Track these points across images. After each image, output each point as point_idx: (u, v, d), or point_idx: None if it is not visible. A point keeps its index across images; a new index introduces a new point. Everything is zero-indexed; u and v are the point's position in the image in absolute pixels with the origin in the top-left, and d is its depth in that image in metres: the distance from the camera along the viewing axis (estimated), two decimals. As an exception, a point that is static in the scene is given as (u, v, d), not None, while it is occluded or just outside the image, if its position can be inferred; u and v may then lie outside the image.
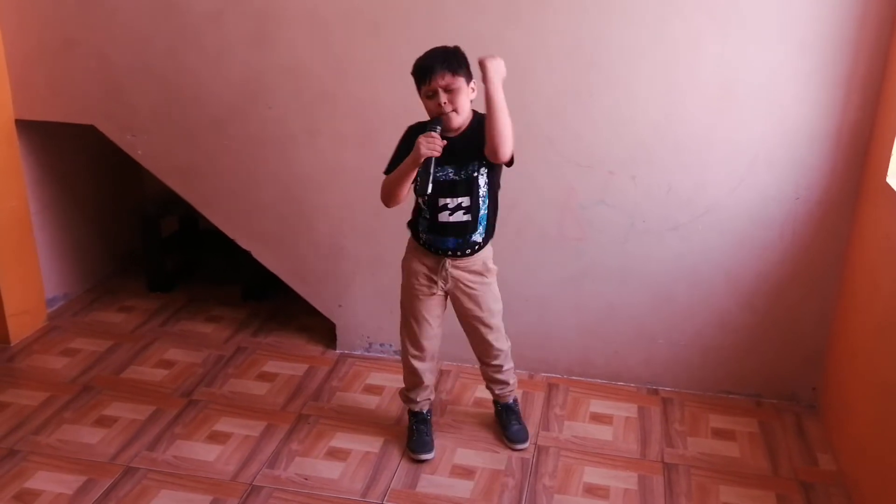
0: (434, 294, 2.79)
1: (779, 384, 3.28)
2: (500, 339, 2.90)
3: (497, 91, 2.44)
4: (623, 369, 3.38)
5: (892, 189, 2.63)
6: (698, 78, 2.95)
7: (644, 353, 3.34)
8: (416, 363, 2.88)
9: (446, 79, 2.48)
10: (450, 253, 2.70)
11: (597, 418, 3.18)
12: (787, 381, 3.27)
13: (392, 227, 3.29)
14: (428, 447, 2.92)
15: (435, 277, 2.75)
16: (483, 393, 3.24)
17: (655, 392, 3.35)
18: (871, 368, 2.69)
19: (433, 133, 2.46)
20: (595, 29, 2.96)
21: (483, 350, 2.92)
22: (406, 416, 3.06)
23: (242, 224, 3.52)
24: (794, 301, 3.16)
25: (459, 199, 2.63)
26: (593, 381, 3.41)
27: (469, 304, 2.80)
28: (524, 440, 2.99)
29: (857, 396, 2.82)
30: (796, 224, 3.06)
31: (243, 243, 3.56)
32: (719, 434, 3.10)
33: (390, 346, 3.55)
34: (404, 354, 2.91)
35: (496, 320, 2.86)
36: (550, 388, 3.37)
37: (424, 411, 3.00)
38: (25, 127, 3.62)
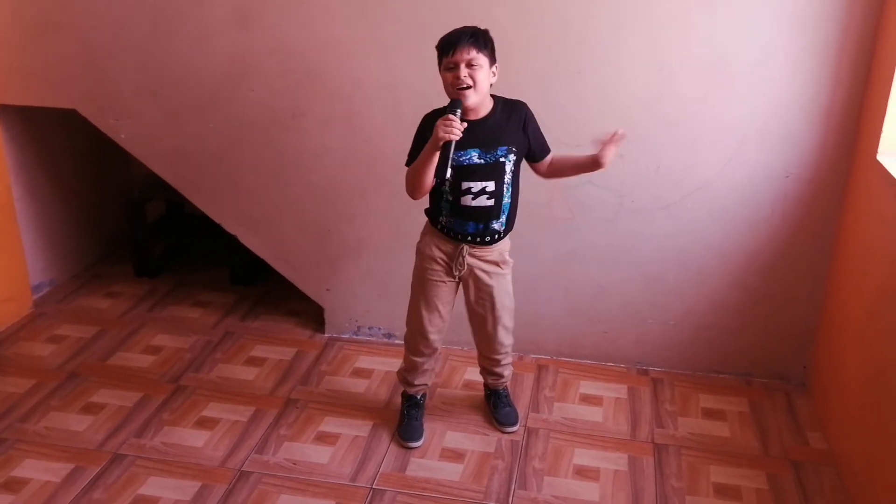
0: (447, 281, 2.74)
1: (769, 363, 3.28)
2: (506, 336, 2.85)
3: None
4: (613, 350, 3.37)
5: (883, 166, 2.61)
6: (688, 56, 2.92)
7: (634, 333, 3.33)
8: (422, 347, 2.83)
9: (471, 53, 2.43)
10: (469, 239, 2.65)
11: (586, 399, 3.17)
12: (777, 360, 3.26)
13: (379, 210, 3.27)
14: (417, 434, 2.90)
15: (451, 263, 2.69)
16: (473, 375, 3.23)
17: (645, 372, 3.35)
18: (862, 347, 2.68)
19: (452, 116, 2.39)
20: (583, 6, 2.92)
21: (486, 343, 2.87)
22: (398, 399, 3.05)
23: (228, 208, 3.49)
24: (784, 280, 3.15)
25: (484, 184, 2.57)
26: (583, 362, 3.40)
27: (481, 295, 2.75)
28: (514, 422, 2.98)
29: (847, 375, 2.81)
30: (787, 202, 3.04)
31: (229, 227, 3.52)
32: (709, 414, 3.09)
33: (379, 329, 3.53)
34: (410, 338, 2.87)
35: (506, 316, 2.81)
36: (540, 369, 3.36)
37: (419, 396, 2.98)
38: (6, 111, 3.57)
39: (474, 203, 2.59)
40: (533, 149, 2.66)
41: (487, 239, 2.66)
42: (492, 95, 2.58)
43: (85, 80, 3.40)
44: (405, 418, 2.94)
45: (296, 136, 3.28)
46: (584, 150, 3.05)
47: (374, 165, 3.23)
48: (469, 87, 2.45)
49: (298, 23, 3.11)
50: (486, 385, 3.06)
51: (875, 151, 2.68)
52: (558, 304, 3.34)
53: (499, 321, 2.80)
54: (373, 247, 3.38)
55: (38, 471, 2.72)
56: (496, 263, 2.72)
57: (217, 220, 3.52)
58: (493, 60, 2.51)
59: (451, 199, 2.60)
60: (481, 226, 2.63)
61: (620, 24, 2.92)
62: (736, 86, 2.93)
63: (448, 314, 2.82)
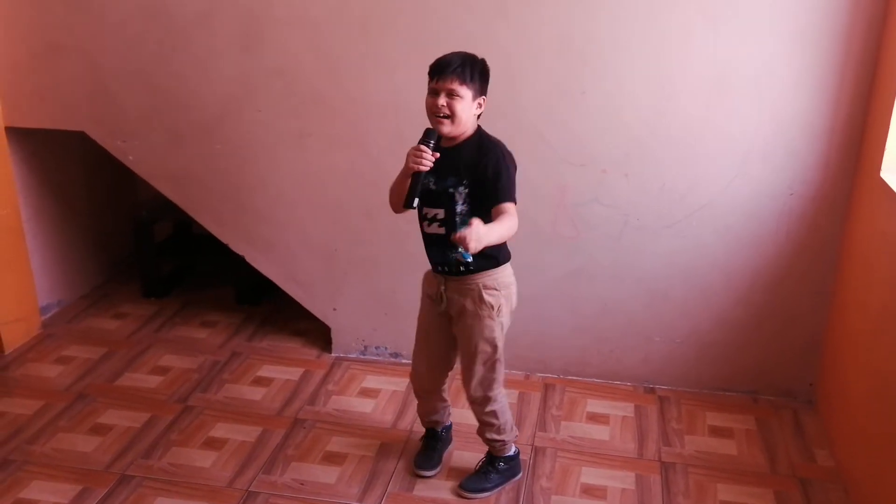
0: (438, 314, 2.63)
1: (775, 381, 3.27)
2: (479, 389, 2.65)
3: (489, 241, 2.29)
4: (619, 368, 3.37)
5: (886, 183, 2.62)
6: (690, 73, 2.94)
7: (640, 351, 3.33)
8: (414, 385, 2.82)
9: (454, 84, 2.35)
10: (440, 269, 2.56)
11: (593, 418, 3.17)
12: (783, 377, 3.26)
13: (385, 229, 3.28)
14: (428, 464, 2.85)
15: (434, 296, 2.62)
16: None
17: (652, 391, 3.34)
18: (868, 363, 2.68)
19: (423, 147, 2.36)
20: (585, 24, 2.94)
21: (464, 381, 2.70)
22: (405, 419, 3.06)
23: (235, 228, 3.51)
24: (789, 297, 3.15)
25: (435, 211, 2.50)
26: (589, 381, 3.40)
27: (457, 332, 2.63)
28: (470, 489, 2.76)
29: (854, 391, 2.80)
30: (791, 219, 3.04)
31: (236, 247, 3.54)
32: (717, 432, 3.09)
33: (385, 348, 3.54)
34: (411, 371, 2.83)
35: (480, 366, 2.61)
36: (547, 388, 3.35)
37: (438, 429, 2.91)
38: (15, 134, 3.60)
39: (429, 230, 2.54)
40: (483, 193, 2.44)
41: (461, 269, 2.51)
42: (479, 126, 2.50)
43: (93, 103, 3.43)
44: (421, 447, 2.92)
45: (302, 156, 3.31)
46: (588, 169, 3.09)
47: (379, 185, 3.22)
48: (447, 117, 2.38)
49: (304, 45, 3.14)
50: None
51: (878, 168, 2.69)
52: (564, 323, 3.34)
53: (470, 368, 2.63)
54: (379, 266, 3.39)
55: (46, 492, 2.73)
56: (474, 302, 2.53)
57: (224, 240, 3.54)
58: (478, 93, 2.42)
59: (420, 226, 2.57)
60: (443, 254, 2.52)
61: (622, 42, 2.94)
62: (739, 103, 2.94)
63: (443, 347, 2.69)
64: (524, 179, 3.06)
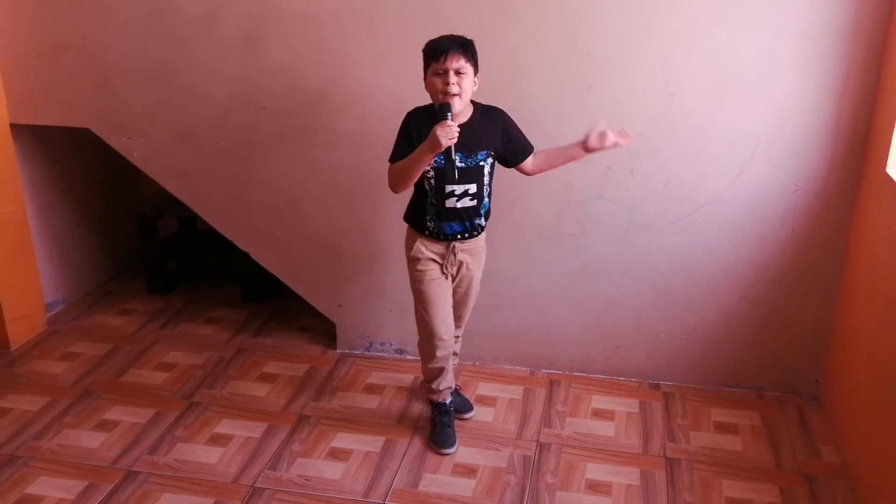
0: (445, 277, 2.83)
1: (781, 376, 3.27)
2: (465, 322, 3.04)
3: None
4: (624, 364, 3.37)
5: (892, 179, 2.62)
6: (695, 70, 2.94)
7: (645, 347, 3.33)
8: (438, 351, 2.88)
9: (460, 62, 2.53)
10: (458, 237, 2.76)
11: (598, 414, 3.17)
12: (788, 373, 3.26)
13: (390, 225, 3.28)
14: (451, 440, 2.94)
15: (443, 262, 2.79)
16: (484, 390, 3.25)
17: (657, 387, 3.34)
18: (873, 359, 2.68)
19: (448, 122, 2.49)
20: (591, 22, 2.94)
21: (459, 322, 2.99)
22: (410, 414, 3.05)
23: (240, 225, 3.51)
24: (794, 293, 3.14)
25: (466, 186, 2.67)
26: (594, 377, 3.40)
27: (464, 284, 2.89)
28: (471, 408, 3.15)
29: (859, 387, 2.80)
30: (796, 216, 3.04)
31: (241, 244, 3.55)
32: (721, 428, 3.09)
33: (390, 344, 3.54)
34: (424, 344, 2.92)
35: (474, 300, 2.98)
36: (552, 384, 3.36)
37: (447, 402, 3.01)
38: (20, 131, 3.61)
39: (458, 205, 2.70)
40: (515, 151, 2.75)
41: (474, 233, 2.80)
42: (471, 101, 2.68)
43: (98, 100, 3.44)
44: (437, 425, 2.97)
45: (307, 153, 3.31)
46: (593, 166, 3.09)
47: (384, 182, 3.24)
48: (456, 95, 2.54)
49: (309, 42, 3.15)
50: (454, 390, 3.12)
51: (884, 164, 2.69)
52: (569, 320, 3.34)
53: (470, 304, 2.97)
54: (384, 263, 3.39)
55: (52, 488, 2.74)
56: (478, 253, 2.86)
57: (229, 237, 3.55)
58: (476, 69, 2.61)
59: (435, 202, 2.71)
60: (467, 223, 2.76)
61: (627, 39, 2.94)
62: (744, 100, 2.94)
63: (451, 310, 2.89)
64: (529, 176, 3.09)
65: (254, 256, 3.56)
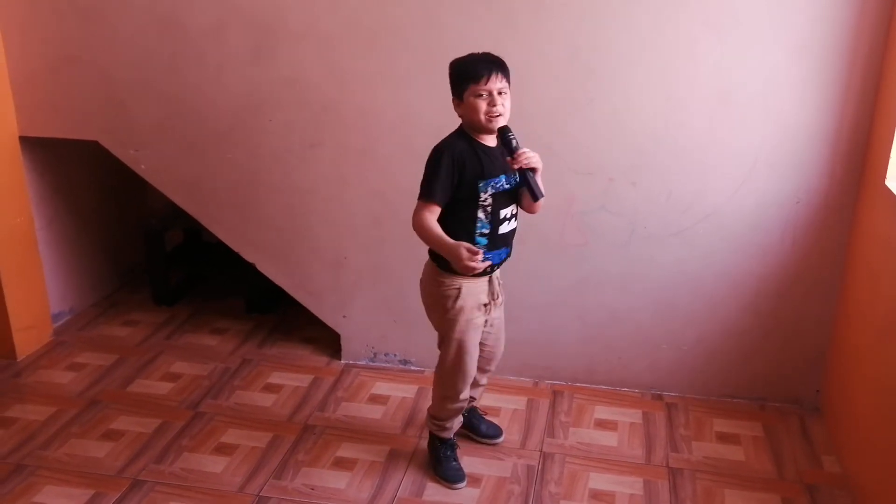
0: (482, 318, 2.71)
1: (782, 387, 3.29)
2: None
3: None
4: (627, 375, 3.39)
5: (892, 192, 2.64)
6: (696, 84, 2.97)
7: (648, 358, 3.35)
8: (463, 394, 2.77)
9: (502, 82, 2.46)
10: (497, 266, 2.65)
11: (602, 424, 3.19)
12: (790, 384, 3.28)
13: (394, 238, 3.31)
14: (461, 475, 2.84)
15: (487, 299, 2.67)
16: (487, 401, 3.26)
17: (660, 397, 3.36)
18: (875, 370, 2.70)
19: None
20: (592, 36, 2.97)
21: (494, 355, 2.86)
22: (414, 425, 3.08)
23: (246, 236, 3.54)
24: (796, 304, 3.17)
25: (511, 207, 2.60)
26: (598, 388, 3.42)
27: (498, 312, 2.77)
28: (501, 433, 3.07)
29: (860, 398, 2.82)
30: (797, 228, 3.07)
31: (247, 255, 3.58)
32: (724, 438, 3.10)
33: (395, 355, 3.57)
34: (449, 389, 2.75)
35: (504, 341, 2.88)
36: (555, 395, 3.38)
37: (453, 439, 2.92)
38: (29, 143, 3.65)
39: (507, 228, 2.60)
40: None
41: (505, 259, 2.68)
42: None
43: (106, 113, 3.48)
44: (443, 460, 2.86)
45: (312, 166, 3.34)
46: (595, 178, 3.12)
47: (388, 195, 3.29)
48: (500, 115, 2.47)
49: (314, 57, 3.18)
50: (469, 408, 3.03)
51: (884, 177, 2.71)
52: (572, 331, 3.37)
53: (503, 341, 2.87)
54: (388, 274, 3.42)
55: (59, 497, 2.75)
56: (500, 288, 2.73)
57: (235, 248, 3.58)
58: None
59: (488, 231, 2.56)
60: (509, 248, 2.67)
61: (629, 53, 2.97)
62: (744, 113, 2.97)
63: None
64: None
65: (259, 268, 3.59)
